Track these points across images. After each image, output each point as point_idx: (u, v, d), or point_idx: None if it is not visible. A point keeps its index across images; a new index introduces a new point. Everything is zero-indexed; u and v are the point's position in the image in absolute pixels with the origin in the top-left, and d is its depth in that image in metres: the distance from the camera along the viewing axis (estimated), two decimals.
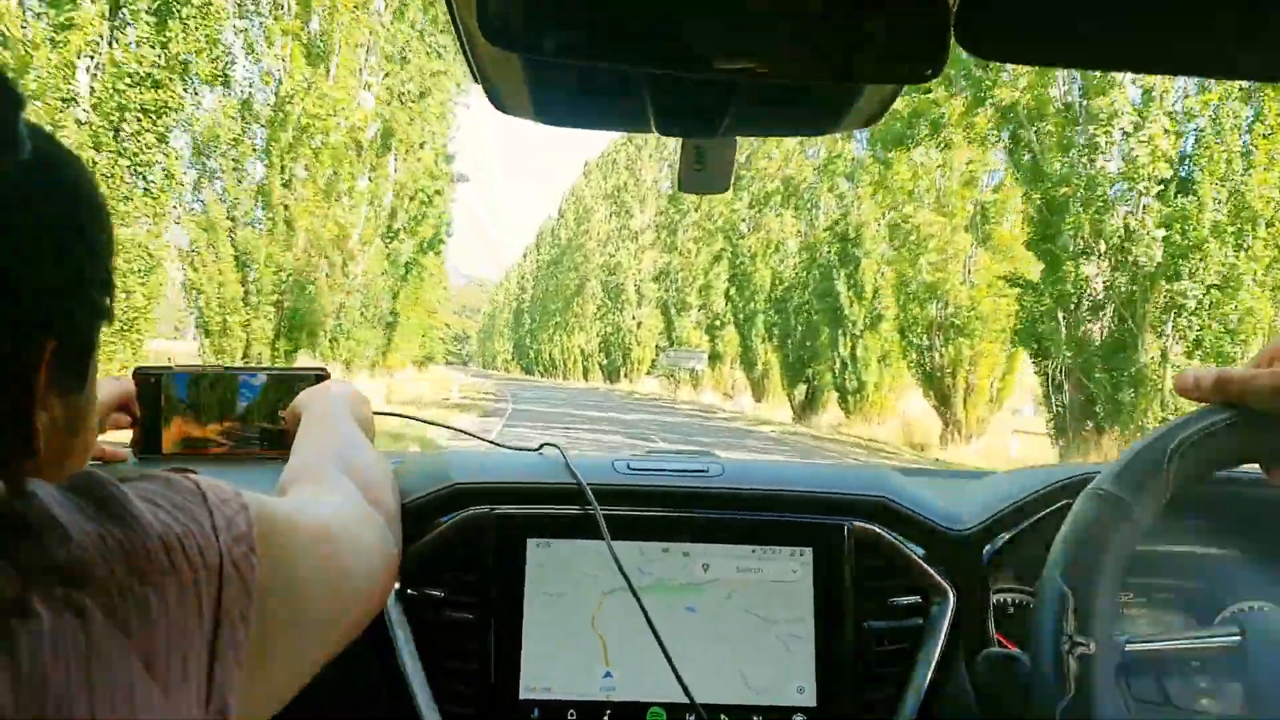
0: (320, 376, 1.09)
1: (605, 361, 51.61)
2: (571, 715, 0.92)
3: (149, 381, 1.08)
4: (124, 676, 0.42)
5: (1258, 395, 0.68)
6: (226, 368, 1.11)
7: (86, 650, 0.41)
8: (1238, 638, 0.72)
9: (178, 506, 0.49)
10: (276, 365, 1.28)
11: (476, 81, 0.71)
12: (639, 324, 46.03)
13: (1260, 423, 0.69)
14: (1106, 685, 0.66)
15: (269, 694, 0.55)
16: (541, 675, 0.93)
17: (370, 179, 22.26)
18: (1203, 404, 0.72)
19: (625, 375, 48.43)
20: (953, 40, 0.55)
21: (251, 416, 1.10)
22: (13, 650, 0.38)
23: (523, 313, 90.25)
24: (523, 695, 0.92)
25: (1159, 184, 11.51)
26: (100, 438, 1.07)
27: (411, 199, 24.23)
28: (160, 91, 11.74)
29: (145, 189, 11.81)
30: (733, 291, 30.63)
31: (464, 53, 0.65)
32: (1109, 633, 0.68)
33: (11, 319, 0.45)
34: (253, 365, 1.18)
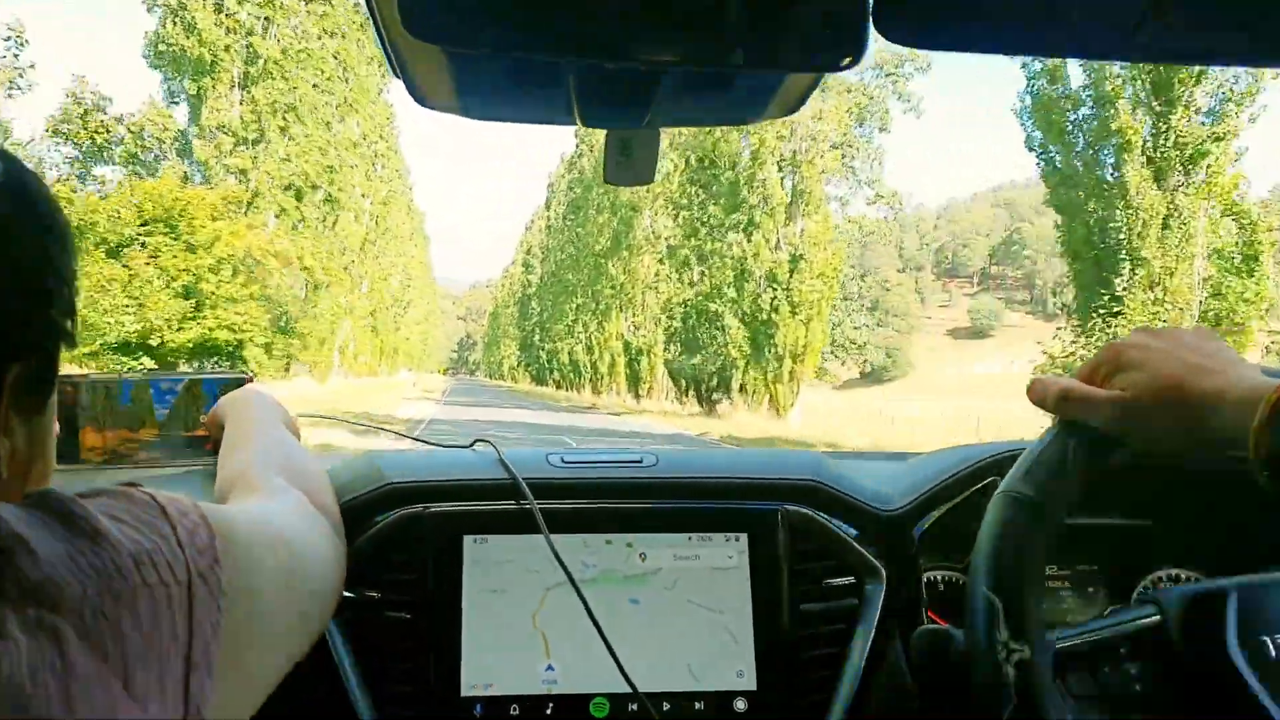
0: (240, 382, 1.07)
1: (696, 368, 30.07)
2: (514, 710, 0.91)
3: (65, 389, 1.04)
4: (103, 697, 0.41)
5: (1098, 415, 0.69)
6: (144, 373, 1.08)
7: (64, 672, 0.40)
8: (1156, 616, 0.75)
9: (141, 521, 0.48)
10: (195, 371, 1.24)
11: (396, 76, 0.70)
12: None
13: (1096, 439, 0.70)
14: (1047, 688, 0.67)
15: (241, 702, 0.55)
16: (483, 673, 0.92)
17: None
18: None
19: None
20: (872, 29, 0.56)
21: (170, 422, 1.07)
22: None
23: (529, 300, 71.33)
24: (465, 693, 0.91)
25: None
26: None
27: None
28: None
29: None
30: None
31: (382, 46, 0.64)
32: (1041, 634, 0.69)
33: None
34: (169, 372, 1.14)
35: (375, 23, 0.61)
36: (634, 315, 37.57)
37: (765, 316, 24.98)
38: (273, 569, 0.60)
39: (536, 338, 66.32)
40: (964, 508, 1.00)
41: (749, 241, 25.19)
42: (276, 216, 27.07)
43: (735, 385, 26.83)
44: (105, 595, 0.43)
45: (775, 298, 24.76)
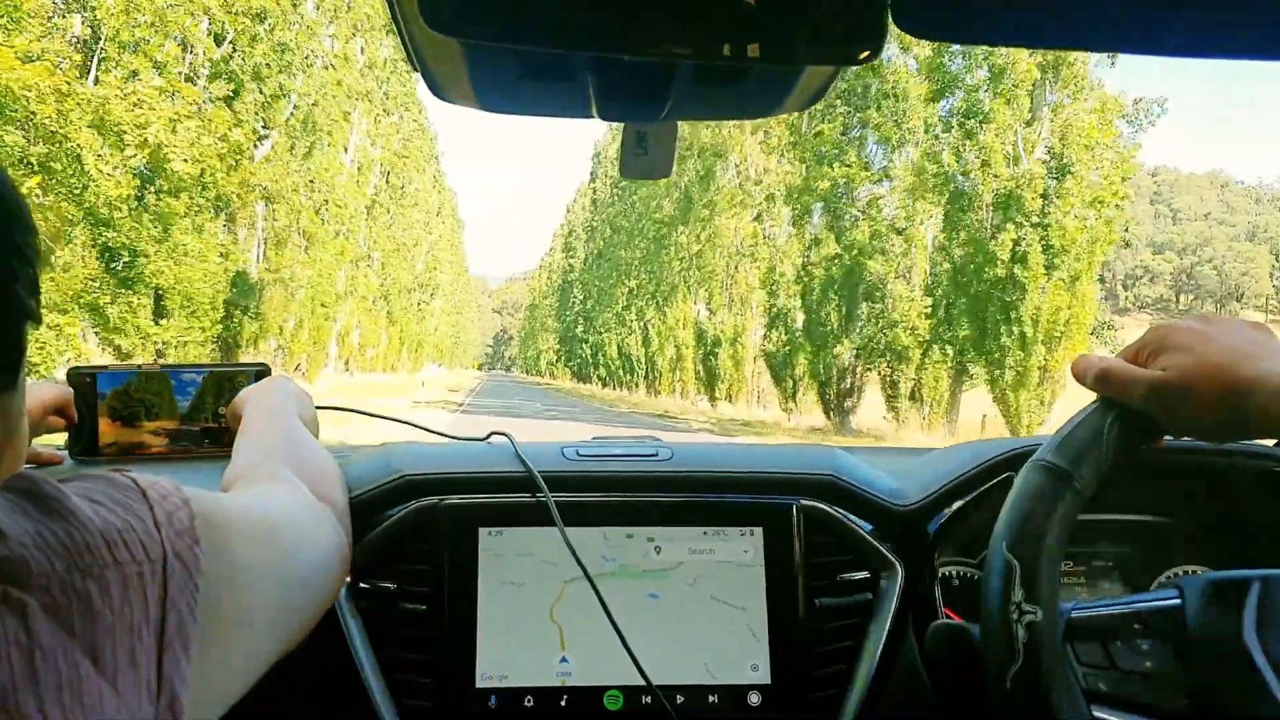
0: (261, 372, 1.07)
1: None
2: (529, 701, 0.92)
3: (84, 382, 1.05)
4: (70, 674, 0.41)
5: (1135, 393, 0.71)
6: (163, 366, 1.08)
7: (30, 647, 0.40)
8: (1177, 600, 0.75)
9: (117, 503, 0.49)
10: (216, 362, 1.25)
11: (415, 69, 0.70)
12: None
13: (1132, 418, 0.72)
14: (1054, 651, 0.69)
15: (221, 688, 0.55)
16: (498, 664, 0.92)
17: None
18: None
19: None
20: (890, 21, 0.55)
21: (191, 414, 1.08)
22: None
23: (570, 287, 62.15)
24: (479, 684, 0.92)
25: None
26: (36, 440, 1.05)
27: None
28: None
29: None
30: None
31: (401, 39, 0.65)
32: (1055, 600, 0.70)
33: None
34: (191, 363, 1.15)
35: (394, 15, 0.61)
36: (711, 295, 28.77)
37: (1000, 274, 15.35)
38: (259, 555, 0.60)
39: (579, 329, 57.39)
40: (979, 503, 0.99)
41: (971, 144, 15.81)
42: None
43: (904, 387, 17.91)
44: (73, 571, 0.43)
45: (1022, 240, 15.12)
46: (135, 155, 13.76)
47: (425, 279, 50.85)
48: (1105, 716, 0.71)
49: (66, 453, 1.07)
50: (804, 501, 0.99)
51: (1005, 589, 0.70)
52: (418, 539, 0.95)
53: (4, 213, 0.49)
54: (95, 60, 14.23)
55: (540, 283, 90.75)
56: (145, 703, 0.45)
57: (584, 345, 54.78)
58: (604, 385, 47.70)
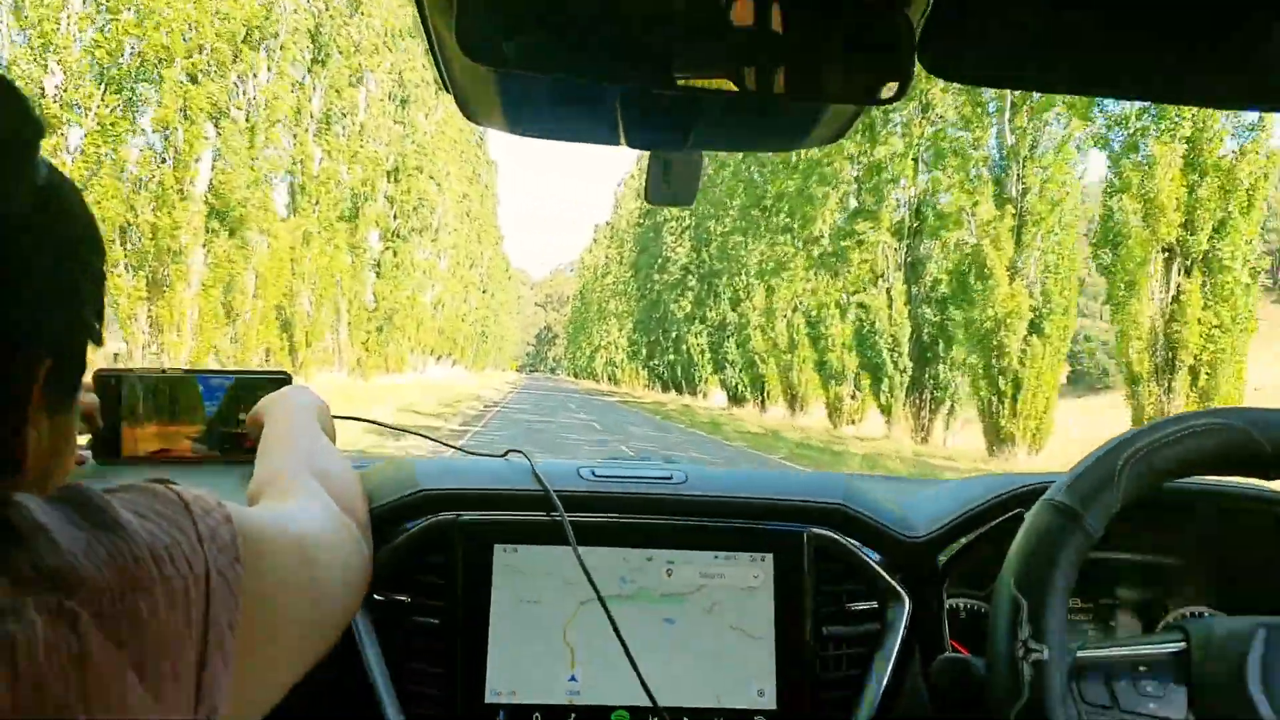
0: (281, 380, 1.09)
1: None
2: (536, 718, 0.92)
3: (109, 384, 1.07)
4: (117, 684, 0.42)
5: None
6: (187, 371, 1.10)
7: (80, 657, 0.41)
8: (1181, 644, 0.75)
9: (163, 516, 0.50)
10: (237, 368, 1.26)
11: (447, 91, 0.72)
12: None
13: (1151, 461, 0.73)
14: (1059, 689, 0.69)
15: (256, 700, 0.57)
16: (507, 680, 0.93)
17: None
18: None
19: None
20: (917, 63, 0.57)
21: (213, 420, 1.09)
22: (9, 653, 0.38)
23: (642, 270, 45.58)
24: (488, 699, 0.92)
25: None
26: None
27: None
28: None
29: None
30: None
31: (435, 62, 0.66)
32: (1061, 639, 0.70)
33: (12, 339, 0.46)
34: (213, 368, 1.17)
35: (429, 40, 0.63)
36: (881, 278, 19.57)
37: None
38: (294, 571, 0.61)
39: (661, 312, 40.00)
40: (989, 538, 0.99)
41: None
42: None
43: None
44: (123, 584, 0.44)
45: None
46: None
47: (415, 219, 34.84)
48: None
49: (89, 453, 1.08)
50: (814, 529, 1.00)
51: (1012, 626, 0.71)
52: (433, 553, 0.96)
53: (78, 232, 0.51)
54: None
55: (599, 256, 69.32)
56: (185, 715, 0.46)
57: (668, 333, 37.61)
58: (734, 401, 32.08)
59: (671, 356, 40.52)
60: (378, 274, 32.60)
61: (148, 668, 0.44)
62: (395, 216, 33.02)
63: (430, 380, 39.43)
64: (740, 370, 30.99)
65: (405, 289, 34.55)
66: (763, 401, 29.26)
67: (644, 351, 47.47)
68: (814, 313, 22.53)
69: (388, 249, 32.92)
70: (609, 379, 59.66)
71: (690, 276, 38.05)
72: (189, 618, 0.47)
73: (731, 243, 30.35)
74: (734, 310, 31.12)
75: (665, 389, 43.75)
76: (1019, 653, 0.69)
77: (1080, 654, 0.76)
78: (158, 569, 0.46)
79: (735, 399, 32.37)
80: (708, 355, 35.85)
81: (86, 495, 0.47)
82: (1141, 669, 0.74)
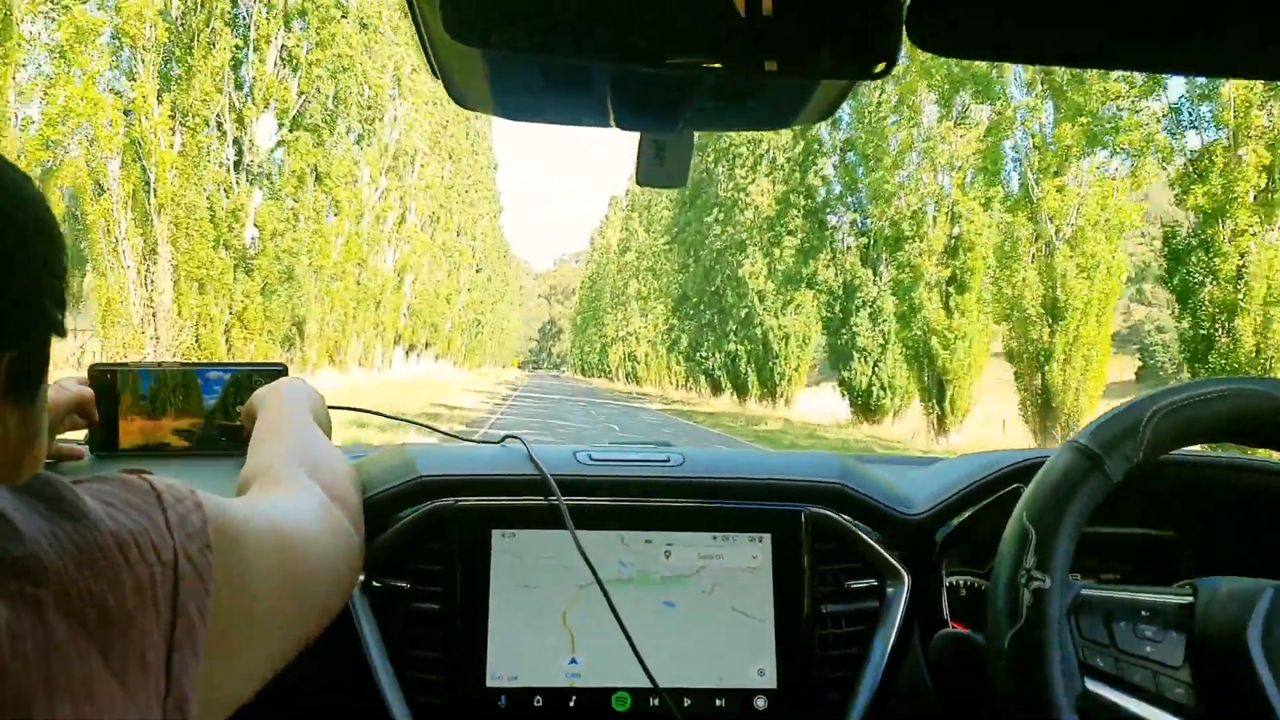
0: (277, 372, 1.09)
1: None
2: (538, 701, 0.93)
3: (105, 378, 1.07)
4: (82, 671, 0.42)
5: None
6: (183, 364, 1.10)
7: (44, 644, 0.41)
8: (1189, 599, 0.76)
9: (132, 506, 0.50)
10: (233, 361, 1.25)
11: (435, 77, 0.71)
12: None
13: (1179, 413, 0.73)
14: (1056, 618, 0.70)
15: (229, 690, 0.56)
16: (508, 664, 0.94)
17: None
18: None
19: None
20: (905, 36, 0.56)
21: (210, 413, 1.09)
22: None
23: (691, 226, 31.35)
24: (489, 683, 0.93)
25: None
26: (58, 436, 1.06)
27: None
28: None
29: None
30: None
31: (423, 47, 0.66)
32: (1064, 574, 0.71)
33: None
34: (209, 361, 1.17)
35: (416, 24, 0.63)
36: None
37: None
38: (269, 559, 0.61)
39: (716, 283, 28.84)
40: (987, 514, 1.00)
41: None
42: None
43: None
44: (85, 570, 0.44)
45: None
46: None
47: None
48: (1098, 690, 0.72)
49: (87, 448, 1.08)
50: (812, 509, 1.00)
51: (1018, 554, 0.72)
52: (431, 539, 0.96)
53: (35, 228, 0.50)
54: None
55: (615, 232, 58.03)
56: (153, 703, 0.46)
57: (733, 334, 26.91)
58: (861, 410, 19.81)
59: (732, 345, 27.25)
60: (269, 190, 18.50)
61: (114, 657, 0.44)
62: (300, 92, 18.97)
63: (394, 380, 27.90)
64: (874, 364, 19.41)
65: (323, 226, 21.25)
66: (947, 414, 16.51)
67: (684, 340, 34.62)
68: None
69: (282, 144, 18.88)
70: (627, 376, 48.24)
71: (787, 217, 23.42)
72: (156, 605, 0.47)
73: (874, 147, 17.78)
74: (867, 266, 19.85)
75: (716, 390, 30.15)
76: (1021, 579, 0.71)
77: (1084, 591, 0.77)
78: (123, 556, 0.46)
79: (865, 408, 19.69)
80: (807, 340, 24.58)
81: (54, 486, 0.48)
82: (1144, 614, 0.75)
